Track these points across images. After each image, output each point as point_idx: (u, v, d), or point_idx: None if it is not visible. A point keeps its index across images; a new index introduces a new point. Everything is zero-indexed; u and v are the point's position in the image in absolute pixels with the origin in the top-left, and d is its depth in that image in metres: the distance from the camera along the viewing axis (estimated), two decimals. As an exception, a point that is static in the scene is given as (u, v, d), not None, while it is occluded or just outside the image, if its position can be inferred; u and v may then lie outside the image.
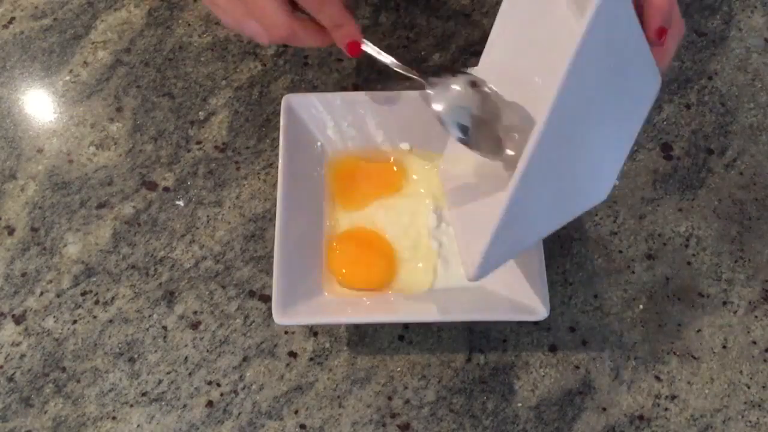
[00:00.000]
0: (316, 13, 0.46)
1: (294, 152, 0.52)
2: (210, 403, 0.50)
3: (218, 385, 0.51)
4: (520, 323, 0.52)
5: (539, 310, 0.46)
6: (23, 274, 0.54)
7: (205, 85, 0.61)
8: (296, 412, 0.50)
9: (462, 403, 0.50)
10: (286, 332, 0.52)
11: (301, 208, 0.51)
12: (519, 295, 0.47)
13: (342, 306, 0.49)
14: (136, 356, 0.52)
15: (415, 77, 0.48)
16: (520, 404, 0.50)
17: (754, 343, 0.52)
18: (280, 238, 0.48)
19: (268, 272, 0.54)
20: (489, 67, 0.47)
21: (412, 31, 0.63)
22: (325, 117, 0.54)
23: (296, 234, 0.49)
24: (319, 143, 0.54)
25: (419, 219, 0.53)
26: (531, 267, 0.47)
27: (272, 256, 0.47)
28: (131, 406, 0.50)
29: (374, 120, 0.54)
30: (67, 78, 0.61)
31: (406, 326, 0.52)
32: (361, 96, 0.53)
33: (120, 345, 0.52)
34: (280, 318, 0.46)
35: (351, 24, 0.47)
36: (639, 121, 0.43)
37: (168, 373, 0.51)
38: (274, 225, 0.49)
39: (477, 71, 0.47)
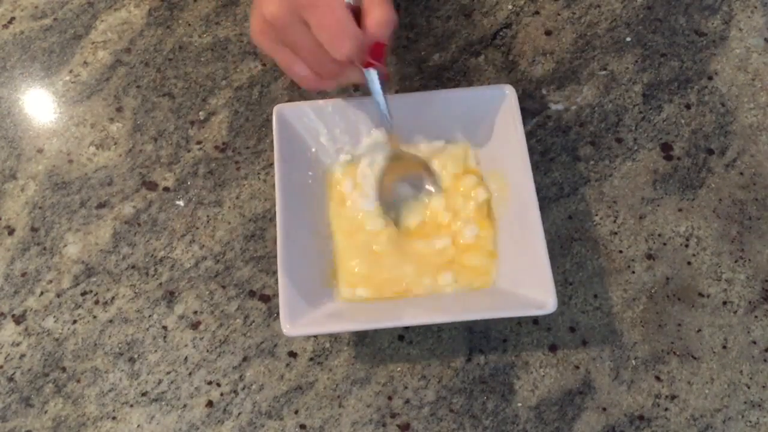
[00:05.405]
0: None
1: (289, 161, 0.51)
2: (210, 403, 0.50)
3: (218, 385, 0.51)
4: (520, 323, 0.52)
5: (547, 303, 0.45)
6: (23, 274, 0.54)
7: (205, 85, 0.61)
8: (296, 412, 0.50)
9: (462, 403, 0.50)
10: (286, 332, 0.52)
11: (300, 216, 0.51)
12: (525, 289, 0.47)
13: (349, 313, 0.49)
14: (136, 356, 0.52)
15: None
16: (520, 404, 0.50)
17: (754, 343, 0.52)
18: (282, 251, 0.47)
19: (268, 272, 0.54)
20: None
21: (412, 31, 0.63)
22: (317, 125, 0.53)
23: (298, 244, 0.49)
24: (313, 150, 0.54)
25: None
26: (535, 260, 0.47)
27: (273, 256, 0.47)
28: (131, 406, 0.50)
29: (366, 125, 0.54)
30: (67, 78, 0.61)
31: (406, 326, 0.52)
32: (352, 102, 0.53)
33: (120, 345, 0.52)
34: (289, 330, 0.45)
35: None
36: None
37: (168, 373, 0.51)
38: (275, 225, 0.49)
39: None
